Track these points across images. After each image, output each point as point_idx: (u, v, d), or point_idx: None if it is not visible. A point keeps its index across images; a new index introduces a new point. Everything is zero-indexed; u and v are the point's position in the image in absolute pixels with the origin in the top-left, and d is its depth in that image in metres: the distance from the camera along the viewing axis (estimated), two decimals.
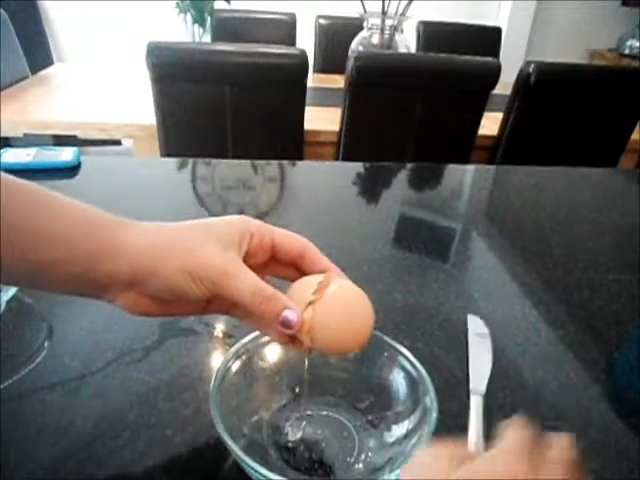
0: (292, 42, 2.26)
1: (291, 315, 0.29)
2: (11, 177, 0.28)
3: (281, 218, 0.72)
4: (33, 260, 0.27)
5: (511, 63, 1.76)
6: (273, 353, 0.38)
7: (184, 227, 0.31)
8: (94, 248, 0.28)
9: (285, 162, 0.89)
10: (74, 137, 1.37)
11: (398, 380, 0.36)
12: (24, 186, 0.28)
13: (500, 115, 1.49)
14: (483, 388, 0.41)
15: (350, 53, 1.31)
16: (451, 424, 0.38)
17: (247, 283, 0.29)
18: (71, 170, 0.77)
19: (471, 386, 0.41)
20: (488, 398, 0.40)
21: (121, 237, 0.29)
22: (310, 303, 0.29)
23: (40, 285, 0.29)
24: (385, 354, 0.37)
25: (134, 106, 1.48)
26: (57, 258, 0.27)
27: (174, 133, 1.31)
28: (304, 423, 0.36)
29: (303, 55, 1.24)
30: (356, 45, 1.70)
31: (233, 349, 0.35)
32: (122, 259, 0.28)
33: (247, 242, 0.31)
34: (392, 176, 0.90)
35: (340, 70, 1.48)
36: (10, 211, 0.26)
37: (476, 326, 0.49)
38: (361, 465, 0.34)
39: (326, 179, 0.85)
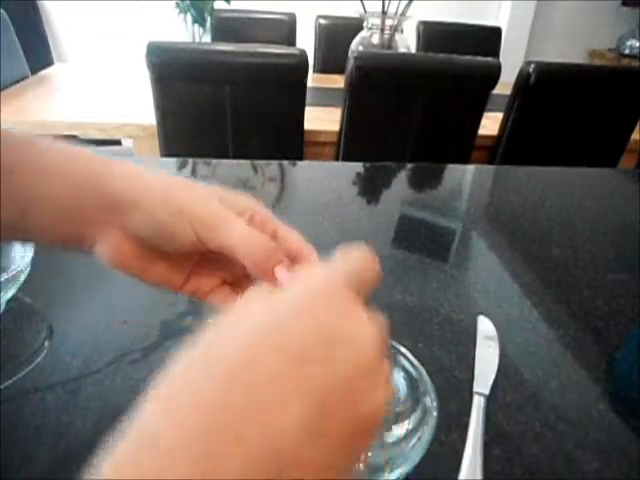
0: (292, 42, 2.26)
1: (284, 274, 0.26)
2: None
3: (281, 218, 0.72)
4: (24, 196, 0.27)
5: (511, 63, 1.77)
6: None
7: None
8: (83, 178, 0.28)
9: (285, 162, 0.89)
10: (74, 137, 1.38)
11: (398, 380, 0.36)
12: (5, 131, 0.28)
13: (500, 115, 1.49)
14: (487, 389, 0.41)
15: (350, 53, 1.31)
16: (451, 424, 0.38)
17: (243, 228, 0.27)
18: None
19: (475, 387, 0.41)
20: (488, 398, 0.40)
21: (110, 167, 0.29)
22: None
23: (24, 230, 0.28)
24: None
25: (134, 106, 1.48)
26: (45, 192, 0.27)
27: (174, 133, 1.31)
28: None
29: (303, 55, 1.24)
30: (356, 45, 1.70)
31: None
32: (109, 187, 0.28)
33: (247, 217, 0.29)
34: (392, 176, 0.90)
35: (340, 70, 1.48)
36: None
37: (485, 328, 0.49)
38: (361, 465, 0.34)
39: (326, 179, 0.85)
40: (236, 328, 0.18)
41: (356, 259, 0.24)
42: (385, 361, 0.20)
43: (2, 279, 0.42)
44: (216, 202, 0.28)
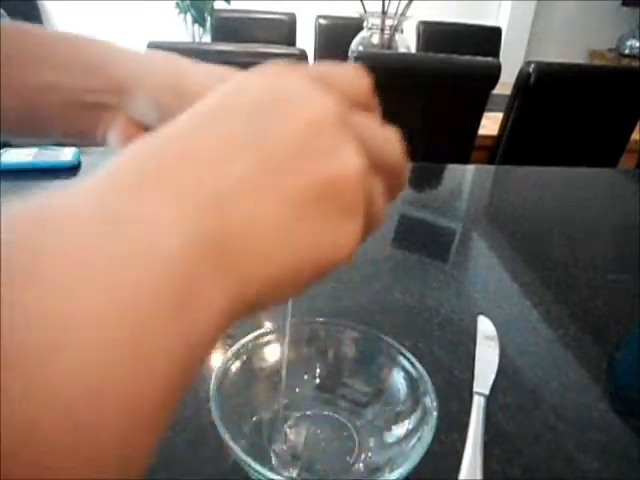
0: (292, 42, 2.26)
1: None
2: None
3: None
4: (31, 85, 0.27)
5: (511, 63, 1.76)
6: (273, 353, 0.38)
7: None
8: (87, 64, 0.28)
9: None
10: None
11: (398, 380, 0.36)
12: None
13: (500, 115, 1.49)
14: (487, 389, 0.41)
15: (350, 53, 1.31)
16: (451, 424, 0.38)
17: None
18: (71, 170, 0.77)
19: (475, 387, 0.41)
20: (488, 398, 0.40)
21: (112, 51, 0.29)
22: None
23: (35, 124, 0.28)
24: (385, 354, 0.37)
25: None
26: (52, 82, 0.27)
27: None
28: (304, 423, 0.36)
29: (303, 55, 1.24)
30: (356, 45, 1.70)
31: (233, 349, 0.35)
32: (112, 70, 0.28)
33: None
34: None
35: None
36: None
37: (485, 328, 0.49)
38: (361, 465, 0.34)
39: None
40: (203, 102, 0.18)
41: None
42: (348, 128, 0.18)
43: None
44: (215, 82, 0.26)
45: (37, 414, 0.10)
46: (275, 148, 0.16)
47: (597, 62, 3.03)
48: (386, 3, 1.63)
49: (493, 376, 0.43)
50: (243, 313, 0.16)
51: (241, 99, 0.17)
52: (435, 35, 2.26)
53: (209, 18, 2.23)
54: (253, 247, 0.15)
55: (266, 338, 0.37)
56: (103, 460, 0.11)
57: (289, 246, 0.16)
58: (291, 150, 0.16)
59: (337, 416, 0.37)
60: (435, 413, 0.32)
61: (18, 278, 0.10)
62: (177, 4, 2.30)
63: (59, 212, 0.13)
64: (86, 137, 0.30)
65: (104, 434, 0.11)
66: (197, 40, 2.37)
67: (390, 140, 0.21)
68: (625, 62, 2.89)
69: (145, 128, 0.28)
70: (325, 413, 0.37)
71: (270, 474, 0.27)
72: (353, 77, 0.21)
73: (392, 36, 1.67)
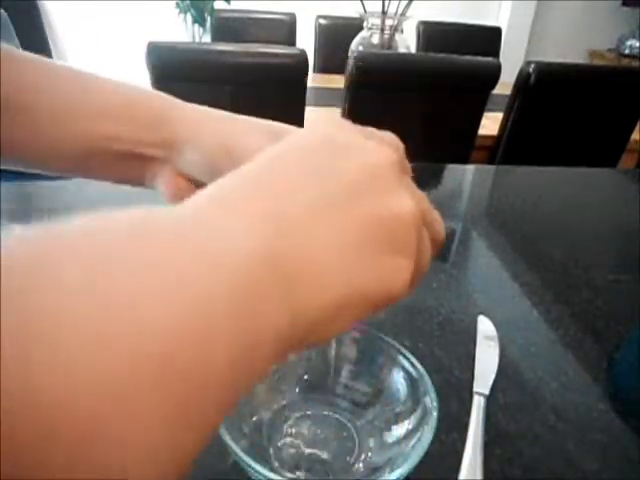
0: (292, 42, 2.26)
1: None
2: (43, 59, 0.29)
3: None
4: (93, 134, 0.27)
5: (511, 63, 1.77)
6: None
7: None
8: (147, 121, 0.29)
9: None
10: None
11: (398, 380, 0.36)
12: (57, 65, 0.29)
13: (500, 115, 1.49)
14: (487, 389, 0.41)
15: (350, 53, 1.31)
16: (451, 424, 0.38)
17: None
18: None
19: (475, 387, 0.41)
20: (488, 398, 0.40)
21: (169, 105, 0.30)
22: None
23: (87, 168, 0.29)
24: (385, 354, 0.37)
25: None
26: (113, 133, 0.28)
27: None
28: (304, 423, 0.36)
29: (303, 55, 1.24)
30: (356, 45, 1.70)
31: None
32: (170, 126, 0.28)
33: None
34: None
35: (340, 70, 1.48)
36: (60, 90, 0.28)
37: (485, 328, 0.49)
38: (361, 465, 0.34)
39: None
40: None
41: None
42: (404, 176, 0.20)
43: None
44: (266, 141, 0.28)
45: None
46: (339, 183, 0.18)
47: (597, 62, 3.03)
48: (386, 3, 1.63)
49: (493, 376, 0.43)
50: (296, 343, 0.16)
51: (307, 144, 0.19)
52: (435, 35, 2.26)
53: (209, 18, 2.23)
54: (314, 270, 0.16)
55: None
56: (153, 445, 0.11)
57: (348, 274, 0.17)
58: (354, 187, 0.18)
59: (337, 416, 0.37)
60: (435, 413, 0.32)
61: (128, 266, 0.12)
62: (177, 4, 2.29)
63: (156, 223, 0.15)
64: (133, 183, 0.31)
65: (156, 418, 0.11)
66: (197, 40, 2.37)
67: (431, 209, 0.24)
68: (625, 62, 2.90)
69: (193, 180, 0.29)
70: (325, 413, 0.37)
71: (270, 474, 0.27)
72: (394, 138, 0.24)
73: (392, 36, 1.67)
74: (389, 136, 0.24)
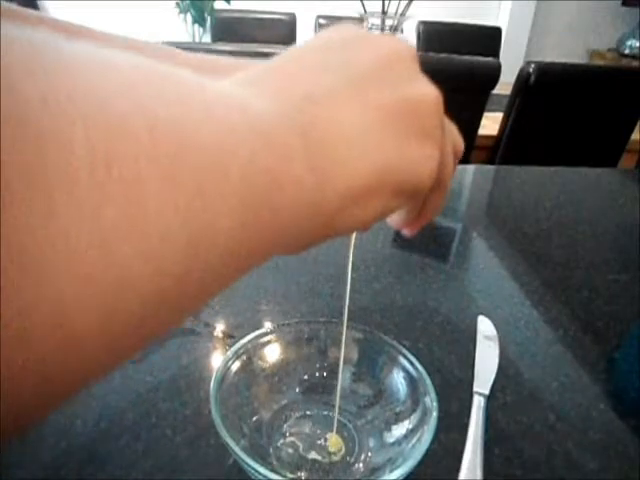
0: (292, 42, 2.26)
1: None
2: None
3: None
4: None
5: (511, 63, 1.77)
6: (273, 353, 0.38)
7: None
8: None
9: None
10: None
11: (398, 380, 0.36)
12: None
13: (500, 115, 1.49)
14: (487, 389, 0.41)
15: None
16: (451, 424, 0.38)
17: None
18: None
19: (475, 387, 0.41)
20: (488, 398, 0.40)
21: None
22: None
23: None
24: (385, 354, 0.37)
25: None
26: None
27: None
28: (304, 423, 0.36)
29: None
30: None
31: (233, 349, 0.35)
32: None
33: None
34: None
35: None
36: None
37: (485, 328, 0.49)
38: (361, 465, 0.34)
39: None
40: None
41: None
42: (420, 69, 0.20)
43: None
44: None
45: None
46: (361, 69, 0.18)
47: (597, 62, 3.03)
48: (386, 3, 1.63)
49: (493, 376, 0.43)
50: (323, 222, 0.16)
51: (328, 39, 0.19)
52: (435, 35, 2.26)
53: (209, 18, 2.23)
54: (339, 144, 0.16)
55: (266, 338, 0.37)
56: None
57: (372, 152, 0.17)
58: (376, 72, 0.18)
59: (337, 416, 0.37)
60: (435, 413, 0.32)
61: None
62: (177, 4, 2.30)
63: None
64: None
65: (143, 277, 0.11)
66: (197, 40, 2.37)
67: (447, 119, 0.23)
68: (625, 62, 2.90)
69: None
70: (325, 413, 0.37)
71: (270, 474, 0.27)
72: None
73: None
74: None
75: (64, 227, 0.09)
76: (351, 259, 0.31)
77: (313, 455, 0.34)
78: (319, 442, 0.35)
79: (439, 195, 0.23)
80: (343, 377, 0.39)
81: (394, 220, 0.26)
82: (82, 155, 0.09)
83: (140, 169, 0.10)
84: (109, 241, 0.10)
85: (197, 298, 0.13)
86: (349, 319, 0.34)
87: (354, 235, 0.29)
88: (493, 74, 1.34)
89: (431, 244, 0.65)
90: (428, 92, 0.19)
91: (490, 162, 1.55)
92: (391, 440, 0.34)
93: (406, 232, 0.26)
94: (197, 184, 0.11)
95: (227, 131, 0.13)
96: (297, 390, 0.38)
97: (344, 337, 0.34)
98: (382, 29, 1.66)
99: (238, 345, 0.36)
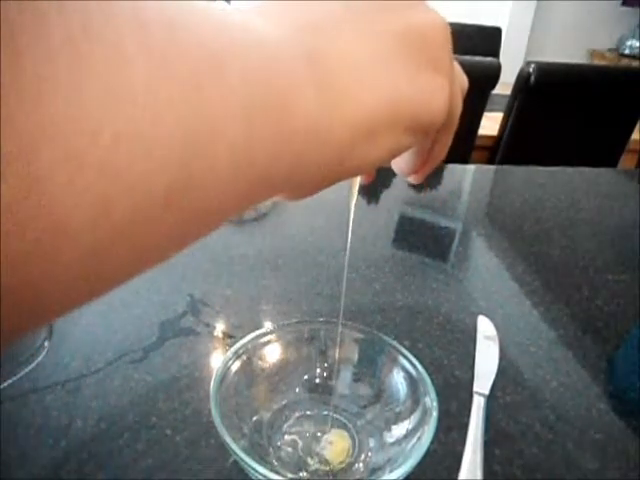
0: None
1: None
2: None
3: (280, 218, 0.72)
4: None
5: (511, 63, 1.77)
6: (273, 353, 0.38)
7: None
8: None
9: None
10: None
11: (398, 380, 0.36)
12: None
13: (500, 115, 1.49)
14: (487, 389, 0.41)
15: None
16: (451, 424, 0.38)
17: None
18: None
19: (475, 387, 0.41)
20: (488, 398, 0.40)
21: None
22: None
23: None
24: (385, 354, 0.37)
25: None
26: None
27: None
28: (304, 423, 0.36)
29: None
30: None
31: (233, 349, 0.35)
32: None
33: None
34: (392, 176, 0.90)
35: None
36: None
37: (485, 328, 0.49)
38: (361, 465, 0.34)
39: None
40: None
41: None
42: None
43: None
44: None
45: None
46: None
47: (597, 62, 3.03)
48: None
49: (493, 376, 0.43)
50: (334, 161, 0.16)
51: None
52: None
53: None
54: (348, 74, 0.15)
55: (266, 338, 0.37)
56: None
57: (382, 82, 0.16)
58: (382, 3, 0.17)
59: (337, 416, 0.37)
60: (435, 413, 0.32)
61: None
62: None
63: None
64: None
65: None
66: None
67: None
68: (625, 62, 2.90)
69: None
70: (325, 413, 0.37)
71: (270, 474, 0.27)
72: None
73: None
74: None
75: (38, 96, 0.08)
76: (352, 217, 0.30)
77: (313, 455, 0.34)
78: (319, 442, 0.35)
79: (447, 134, 0.22)
80: (343, 377, 0.39)
81: (401, 166, 0.24)
82: (57, 23, 0.08)
83: (122, 36, 0.09)
84: (91, 117, 0.09)
85: (184, 227, 0.12)
86: (349, 319, 0.34)
87: (355, 191, 0.27)
88: (493, 74, 1.33)
89: (431, 244, 0.65)
90: (436, 19, 0.18)
91: (490, 162, 1.55)
92: (391, 440, 0.34)
93: (413, 179, 0.25)
94: (192, 75, 0.10)
95: (228, 37, 0.12)
96: (297, 390, 0.38)
97: (342, 295, 0.34)
98: None
99: (238, 345, 0.36)
